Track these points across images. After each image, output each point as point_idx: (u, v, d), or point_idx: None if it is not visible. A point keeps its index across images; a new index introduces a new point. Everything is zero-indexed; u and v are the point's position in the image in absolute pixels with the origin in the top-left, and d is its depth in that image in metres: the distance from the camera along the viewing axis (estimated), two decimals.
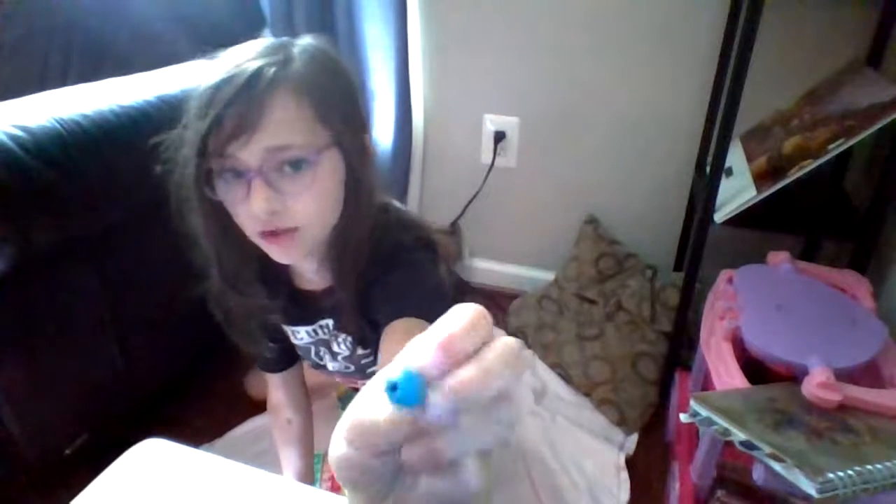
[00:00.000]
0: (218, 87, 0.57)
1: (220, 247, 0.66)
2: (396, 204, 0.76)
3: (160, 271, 0.95)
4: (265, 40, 0.62)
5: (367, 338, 0.74)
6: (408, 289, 0.66)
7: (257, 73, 0.56)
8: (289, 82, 0.58)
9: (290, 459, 0.91)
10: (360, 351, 0.80)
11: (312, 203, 0.61)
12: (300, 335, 0.81)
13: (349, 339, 0.77)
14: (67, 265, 0.88)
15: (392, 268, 0.66)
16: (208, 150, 0.58)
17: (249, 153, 0.57)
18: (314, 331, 0.79)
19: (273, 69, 0.57)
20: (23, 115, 0.83)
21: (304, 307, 0.76)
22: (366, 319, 0.70)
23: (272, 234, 0.61)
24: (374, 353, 0.75)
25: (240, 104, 0.56)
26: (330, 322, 0.77)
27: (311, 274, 0.73)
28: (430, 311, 0.58)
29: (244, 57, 0.59)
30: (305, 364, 0.91)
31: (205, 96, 0.57)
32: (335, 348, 0.81)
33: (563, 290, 1.43)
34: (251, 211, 0.59)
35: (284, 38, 0.63)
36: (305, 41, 0.64)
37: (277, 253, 0.63)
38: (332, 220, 0.65)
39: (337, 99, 0.62)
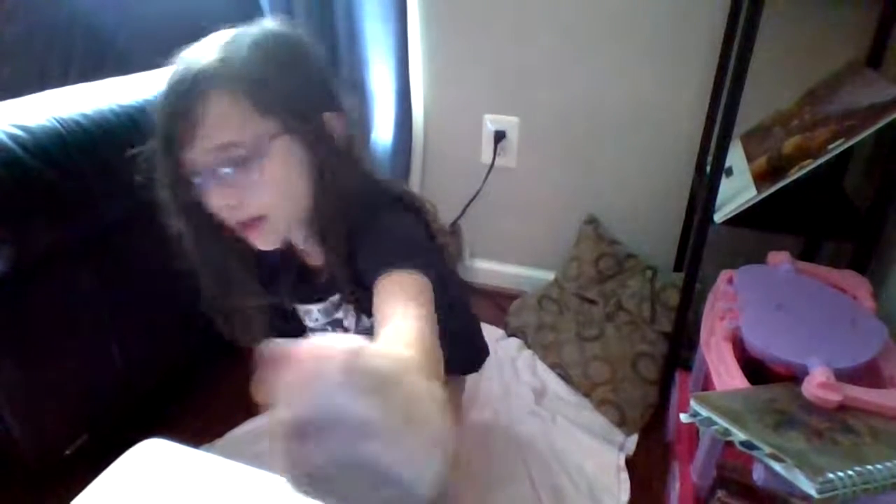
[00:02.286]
0: (165, 96, 0.61)
1: (204, 246, 0.68)
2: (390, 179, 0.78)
3: (160, 271, 0.95)
4: (218, 35, 0.64)
5: (368, 306, 0.75)
6: (385, 241, 0.66)
7: (192, 77, 0.59)
8: (223, 80, 0.59)
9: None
10: (367, 322, 0.81)
11: (268, 193, 0.63)
12: (314, 315, 0.82)
13: (352, 307, 0.79)
14: (67, 265, 0.88)
15: (372, 229, 0.67)
16: (171, 156, 0.61)
17: (197, 155, 0.60)
18: (325, 309, 0.81)
19: (207, 70, 0.59)
20: (23, 115, 0.83)
21: (312, 284, 0.77)
22: (361, 287, 0.69)
23: (244, 224, 0.64)
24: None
25: (180, 110, 0.59)
26: (337, 297, 0.78)
27: (310, 250, 0.74)
28: (408, 258, 0.60)
29: (188, 60, 0.61)
30: None
31: (157, 105, 0.61)
32: (346, 323, 0.82)
33: (563, 290, 1.43)
34: (212, 208, 0.62)
35: (238, 29, 0.64)
36: (256, 29, 0.64)
37: (254, 240, 0.66)
38: (303, 202, 0.66)
39: (281, 86, 0.62)
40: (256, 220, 0.64)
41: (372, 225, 0.67)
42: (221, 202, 0.62)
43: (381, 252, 0.63)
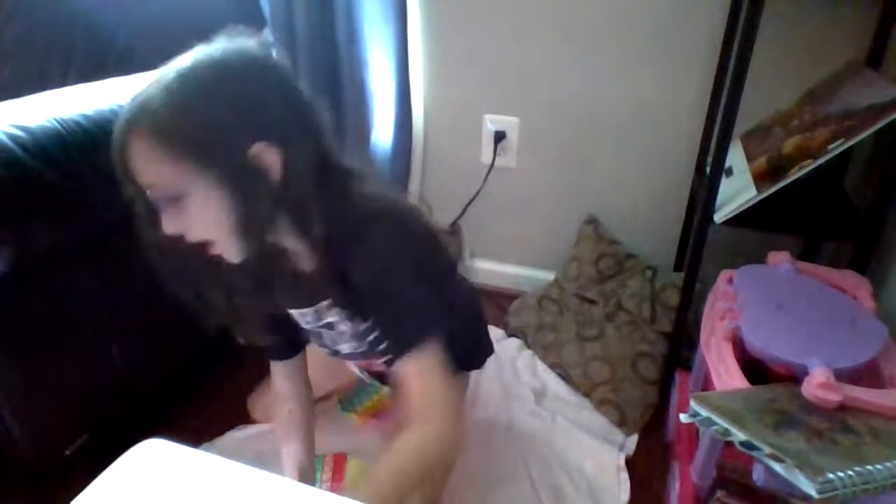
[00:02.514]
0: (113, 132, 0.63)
1: (183, 254, 0.69)
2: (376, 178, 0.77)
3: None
4: (166, 69, 0.64)
5: (357, 309, 0.77)
6: (392, 299, 0.70)
7: (121, 119, 0.62)
8: (140, 124, 0.61)
9: (288, 450, 0.92)
10: (361, 326, 0.81)
11: (201, 227, 0.65)
12: (307, 317, 0.83)
13: (343, 313, 0.79)
14: (67, 265, 0.88)
15: (363, 249, 0.68)
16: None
17: (140, 188, 0.64)
18: (317, 312, 0.81)
19: (129, 113, 0.61)
20: (23, 115, 0.83)
21: (303, 287, 0.78)
22: (349, 289, 0.71)
23: (200, 244, 0.67)
24: (375, 325, 0.80)
25: (115, 151, 0.62)
26: (327, 302, 0.79)
27: (298, 254, 0.74)
28: (418, 330, 0.68)
29: (132, 96, 0.63)
30: (323, 361, 0.92)
31: None
32: (340, 327, 0.83)
33: (563, 291, 1.43)
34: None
35: (180, 61, 0.64)
36: (193, 58, 0.63)
37: (219, 256, 0.68)
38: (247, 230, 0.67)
39: (196, 126, 0.61)
40: (206, 243, 0.67)
41: (361, 241, 0.68)
42: (166, 229, 0.64)
43: (391, 315, 0.71)
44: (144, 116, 0.61)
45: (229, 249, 0.67)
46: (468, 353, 1.02)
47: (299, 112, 0.67)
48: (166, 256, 0.69)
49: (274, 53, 0.69)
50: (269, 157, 0.63)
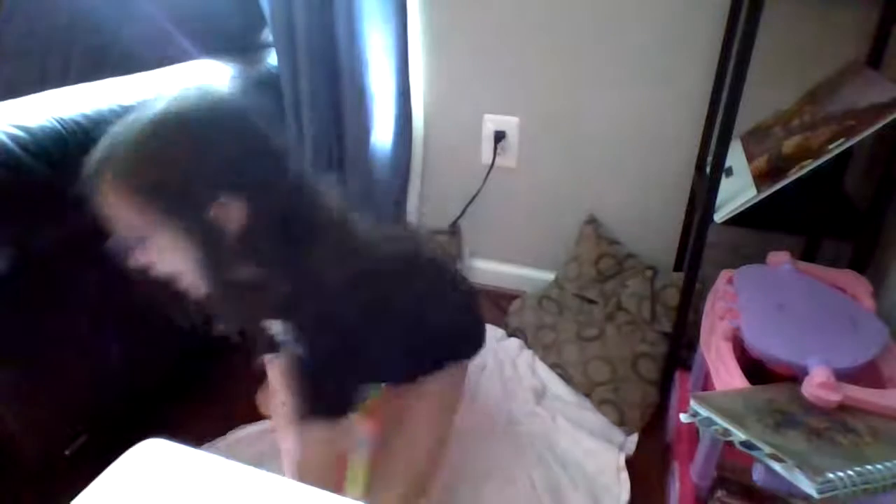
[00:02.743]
0: None
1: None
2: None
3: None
4: (141, 111, 0.65)
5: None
6: (317, 333, 0.73)
7: (93, 160, 0.64)
8: (109, 171, 0.63)
9: (286, 447, 0.92)
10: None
11: (164, 266, 0.69)
12: (277, 329, 0.84)
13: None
14: (67, 265, 0.88)
15: (310, 297, 0.71)
16: None
17: None
18: (284, 327, 0.82)
19: (98, 155, 0.64)
20: (23, 115, 0.83)
21: (266, 310, 0.80)
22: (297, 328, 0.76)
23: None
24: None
25: (88, 187, 0.65)
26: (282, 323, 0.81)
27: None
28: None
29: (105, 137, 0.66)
30: None
31: None
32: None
33: (563, 290, 1.43)
34: None
35: (155, 104, 0.65)
36: (171, 105, 0.65)
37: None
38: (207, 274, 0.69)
39: (166, 180, 0.63)
40: (171, 277, 0.70)
41: (314, 296, 0.70)
42: (133, 263, 0.68)
43: (315, 370, 0.74)
44: (111, 163, 0.64)
45: (192, 285, 0.70)
46: (454, 344, 1.00)
47: (267, 165, 0.68)
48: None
49: (248, 97, 0.71)
50: (231, 211, 0.65)
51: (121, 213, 0.65)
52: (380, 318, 0.74)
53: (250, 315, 0.80)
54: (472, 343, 1.04)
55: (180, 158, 0.63)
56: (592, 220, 1.44)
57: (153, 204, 0.63)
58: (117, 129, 0.65)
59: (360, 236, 0.77)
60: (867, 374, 0.77)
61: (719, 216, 0.98)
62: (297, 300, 0.71)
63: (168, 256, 0.68)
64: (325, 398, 0.75)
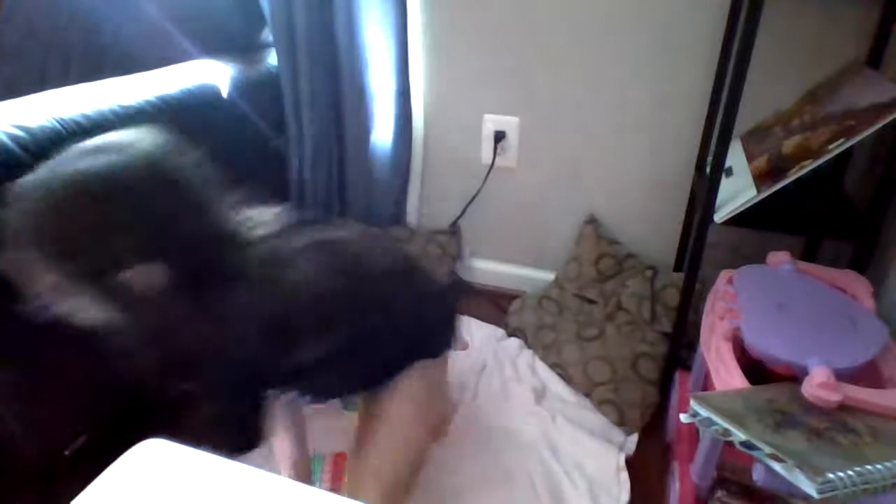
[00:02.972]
0: None
1: None
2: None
3: None
4: (67, 157, 0.66)
5: None
6: None
7: (15, 198, 0.62)
8: (22, 231, 0.62)
9: (281, 446, 0.93)
10: None
11: (86, 322, 0.68)
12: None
13: None
14: None
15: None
16: None
17: None
18: None
19: (18, 208, 0.62)
20: (23, 115, 0.83)
21: None
22: None
23: None
24: None
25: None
26: None
27: None
28: None
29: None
30: None
31: None
32: None
33: (563, 290, 1.43)
34: None
35: (81, 155, 0.65)
36: (96, 164, 0.64)
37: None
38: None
39: (77, 240, 0.62)
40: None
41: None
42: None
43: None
44: (31, 216, 0.62)
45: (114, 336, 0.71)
46: (414, 346, 0.96)
47: (188, 228, 0.67)
48: None
49: (181, 151, 0.69)
50: (141, 278, 0.64)
51: (31, 269, 0.64)
52: (305, 345, 0.73)
53: (170, 364, 0.80)
54: (440, 341, 1.01)
55: (96, 220, 0.63)
56: (592, 220, 1.44)
57: (54, 267, 0.63)
58: (41, 177, 0.63)
59: (287, 277, 0.73)
60: (867, 374, 0.77)
61: (719, 216, 0.98)
62: (208, 346, 0.71)
63: (83, 315, 0.68)
64: (228, 433, 0.78)
